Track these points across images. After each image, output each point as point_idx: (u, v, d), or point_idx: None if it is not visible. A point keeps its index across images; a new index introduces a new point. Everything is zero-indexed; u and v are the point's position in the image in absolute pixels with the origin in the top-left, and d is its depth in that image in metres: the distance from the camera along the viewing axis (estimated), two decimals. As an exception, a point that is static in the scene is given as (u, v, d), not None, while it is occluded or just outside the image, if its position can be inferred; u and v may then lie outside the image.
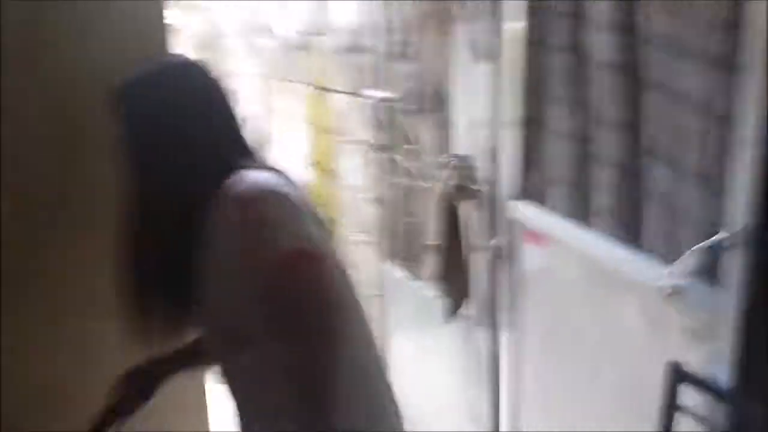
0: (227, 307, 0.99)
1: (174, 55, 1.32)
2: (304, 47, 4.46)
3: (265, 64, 6.07)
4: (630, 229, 1.57)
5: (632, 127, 1.52)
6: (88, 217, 1.62)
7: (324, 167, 4.44)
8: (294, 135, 5.10)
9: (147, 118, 1.07)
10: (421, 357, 3.01)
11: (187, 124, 1.07)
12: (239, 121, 1.14)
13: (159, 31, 1.71)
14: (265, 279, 0.92)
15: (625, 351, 1.63)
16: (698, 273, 1.32)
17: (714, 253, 1.28)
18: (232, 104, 1.14)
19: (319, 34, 4.13)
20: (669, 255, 1.42)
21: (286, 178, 1.06)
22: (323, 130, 4.34)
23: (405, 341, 3.19)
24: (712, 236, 1.26)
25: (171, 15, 1.68)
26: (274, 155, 5.90)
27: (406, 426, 1.17)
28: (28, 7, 1.50)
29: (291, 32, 4.68)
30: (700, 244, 1.29)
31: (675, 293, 1.36)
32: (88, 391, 1.36)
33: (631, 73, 1.50)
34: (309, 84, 4.56)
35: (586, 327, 1.81)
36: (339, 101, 3.96)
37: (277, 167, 1.10)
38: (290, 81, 5.02)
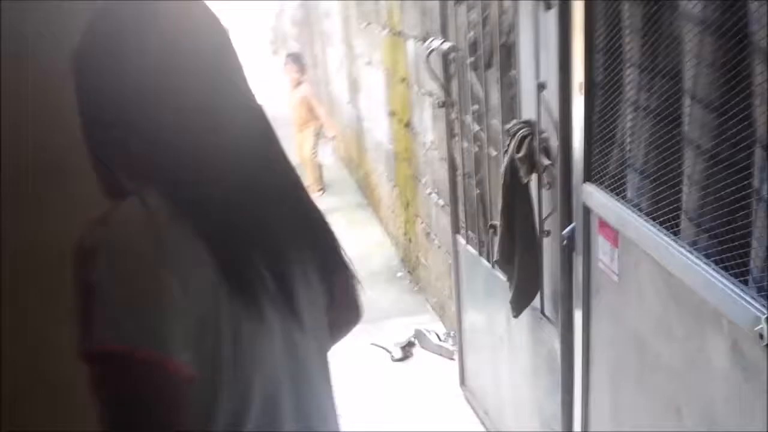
0: None
1: None
2: (379, -15, 4.07)
3: (342, 5, 5.72)
4: (732, 251, 1.16)
5: (744, 110, 1.09)
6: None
7: (401, 118, 4.10)
8: (375, 81, 4.77)
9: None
10: (489, 343, 2.69)
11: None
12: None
13: None
14: None
15: (710, 394, 1.25)
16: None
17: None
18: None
19: (392, -30, 3.72)
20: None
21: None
22: (399, 79, 3.97)
23: (476, 322, 2.87)
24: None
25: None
26: (360, 101, 5.63)
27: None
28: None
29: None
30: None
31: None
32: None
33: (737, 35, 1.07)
34: (384, 27, 4.18)
35: (664, 353, 1.43)
36: (411, 48, 3.58)
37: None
38: (369, 23, 4.66)
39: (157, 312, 0.76)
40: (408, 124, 3.94)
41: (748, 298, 1.08)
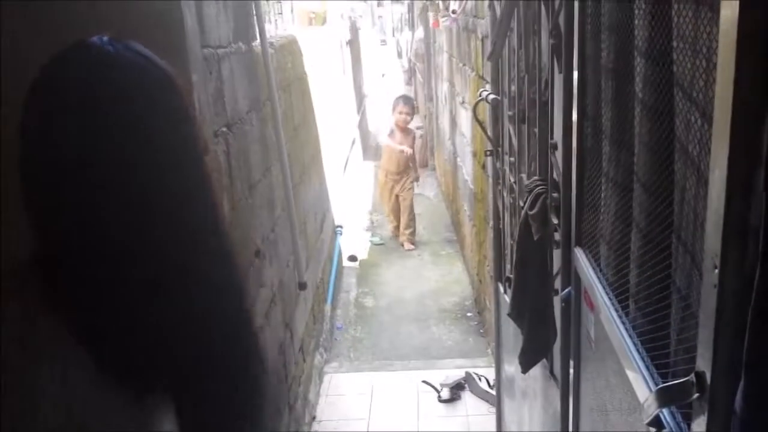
0: None
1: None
2: (472, 29, 4.16)
3: (449, 43, 5.85)
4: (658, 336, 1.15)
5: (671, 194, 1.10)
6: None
7: (479, 159, 4.14)
8: (465, 120, 4.84)
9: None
10: (518, 395, 2.66)
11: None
12: None
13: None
14: None
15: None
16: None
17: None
18: None
19: (478, 17, 3.81)
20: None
21: None
22: (477, 120, 4.02)
23: (510, 372, 2.85)
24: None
25: None
26: (456, 138, 5.71)
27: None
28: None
29: (464, 12, 4.40)
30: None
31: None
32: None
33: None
34: (473, 69, 4.26)
35: (622, 428, 1.40)
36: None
37: None
38: (463, 64, 4.75)
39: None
40: (484, 166, 3.98)
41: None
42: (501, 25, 1.98)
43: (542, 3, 1.86)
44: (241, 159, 2.28)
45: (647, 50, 1.13)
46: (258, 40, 2.66)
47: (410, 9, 10.62)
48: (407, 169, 6.32)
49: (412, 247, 6.25)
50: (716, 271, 0.77)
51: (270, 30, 3.07)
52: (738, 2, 0.68)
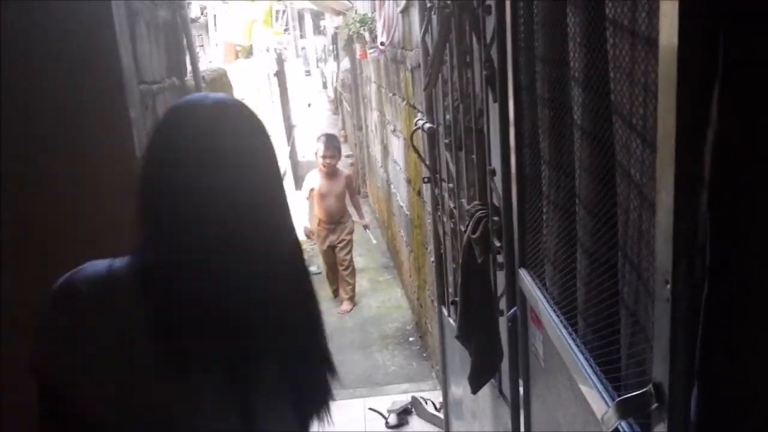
0: None
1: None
2: (401, 60, 4.25)
3: (377, 74, 5.95)
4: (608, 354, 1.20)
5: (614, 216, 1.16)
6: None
7: (414, 185, 4.21)
8: (398, 148, 4.92)
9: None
10: (466, 416, 2.70)
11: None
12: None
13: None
14: None
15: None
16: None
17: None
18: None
19: (407, 49, 3.90)
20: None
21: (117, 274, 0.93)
22: (412, 148, 4.10)
23: (456, 394, 2.89)
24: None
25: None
26: (389, 166, 5.78)
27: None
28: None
29: (391, 44, 4.49)
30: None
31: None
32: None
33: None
34: (403, 99, 4.35)
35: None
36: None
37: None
38: (393, 94, 4.84)
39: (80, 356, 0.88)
40: (419, 193, 4.04)
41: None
42: (434, 57, 2.05)
43: (474, 36, 1.93)
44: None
45: (584, 80, 1.20)
46: (189, 75, 2.65)
47: (334, 41, 10.75)
48: (343, 216, 5.46)
49: (348, 309, 5.51)
50: (668, 286, 0.82)
51: (200, 64, 3.06)
52: (677, 36, 0.74)
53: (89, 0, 1.50)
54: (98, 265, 0.95)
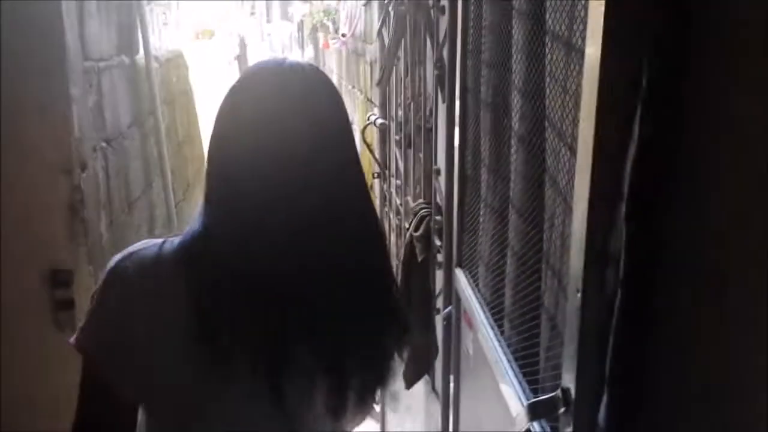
0: None
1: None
2: (361, 53, 4.24)
3: (338, 65, 5.93)
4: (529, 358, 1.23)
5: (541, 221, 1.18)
6: None
7: (368, 180, 4.22)
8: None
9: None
10: (401, 409, 2.73)
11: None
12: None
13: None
14: None
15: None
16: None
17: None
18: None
19: (367, 42, 3.90)
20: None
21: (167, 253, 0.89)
22: (365, 142, 4.11)
23: (395, 388, 2.91)
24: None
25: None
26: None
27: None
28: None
29: (353, 37, 4.48)
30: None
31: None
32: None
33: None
34: (361, 92, 4.34)
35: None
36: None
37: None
38: (352, 86, 4.83)
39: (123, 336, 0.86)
40: (371, 187, 4.05)
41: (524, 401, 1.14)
42: (389, 53, 2.05)
43: (427, 35, 1.94)
44: (121, 175, 2.22)
45: (522, 87, 1.22)
46: (141, 53, 2.60)
47: (300, 28, 10.66)
48: None
49: None
50: (579, 294, 0.84)
51: (154, 43, 3.00)
52: (601, 43, 0.76)
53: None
54: (150, 245, 0.90)
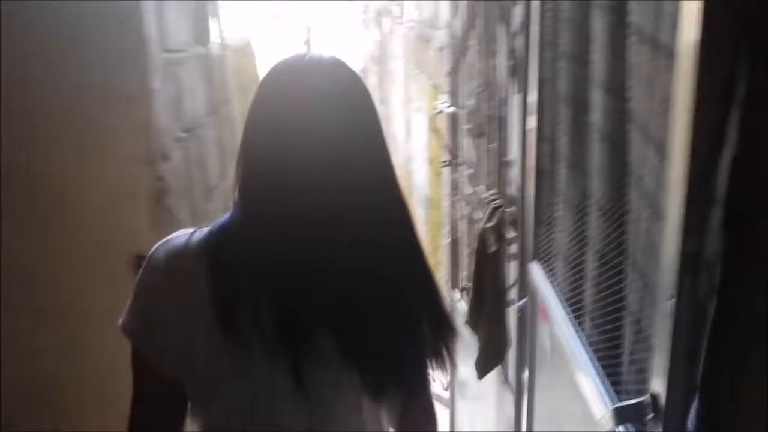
0: None
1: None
2: (428, 39, 4.22)
3: (404, 49, 5.90)
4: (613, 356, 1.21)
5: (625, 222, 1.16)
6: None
7: (435, 168, 4.21)
8: (421, 126, 4.91)
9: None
10: (470, 399, 2.73)
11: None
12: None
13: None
14: None
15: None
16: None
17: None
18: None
19: (435, 27, 3.87)
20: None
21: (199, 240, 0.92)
22: (434, 129, 4.09)
23: (464, 376, 2.92)
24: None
25: None
26: (412, 143, 5.77)
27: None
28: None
29: (420, 22, 4.45)
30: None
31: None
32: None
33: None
34: (430, 78, 4.32)
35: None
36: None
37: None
38: (420, 71, 4.81)
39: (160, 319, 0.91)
40: (439, 173, 4.04)
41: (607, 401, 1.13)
42: (461, 42, 2.03)
43: (500, 25, 1.92)
44: (200, 164, 2.29)
45: (604, 83, 1.20)
46: (214, 42, 2.65)
47: (365, 11, 10.67)
48: None
49: None
50: (672, 301, 0.83)
51: (224, 31, 3.06)
52: (697, 40, 0.74)
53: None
54: (183, 234, 0.94)
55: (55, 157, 1.53)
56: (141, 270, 0.94)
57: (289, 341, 0.89)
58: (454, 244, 2.81)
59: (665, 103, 0.94)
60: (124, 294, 0.94)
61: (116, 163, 1.59)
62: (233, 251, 0.89)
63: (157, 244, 0.94)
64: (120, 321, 0.94)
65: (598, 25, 1.22)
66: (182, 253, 0.91)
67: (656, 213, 0.99)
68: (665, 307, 0.85)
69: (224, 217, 0.93)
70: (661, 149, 0.96)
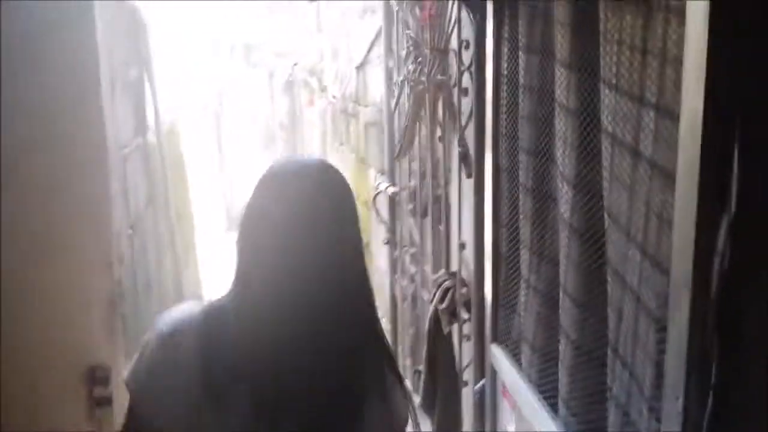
0: None
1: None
2: (353, 114, 4.30)
3: (322, 121, 5.99)
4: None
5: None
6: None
7: (366, 246, 4.23)
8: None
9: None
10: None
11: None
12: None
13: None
14: None
15: None
16: None
17: None
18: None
19: (360, 104, 3.96)
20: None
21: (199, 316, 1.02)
22: (362, 202, 4.13)
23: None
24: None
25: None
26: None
27: None
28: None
29: (343, 97, 4.55)
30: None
31: None
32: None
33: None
34: (352, 151, 4.39)
35: None
36: (372, 177, 3.75)
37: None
38: (340, 144, 4.88)
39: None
40: (368, 245, 4.06)
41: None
42: (407, 131, 2.10)
43: (448, 114, 1.99)
44: (142, 259, 2.21)
45: (574, 180, 1.26)
46: (149, 129, 2.61)
47: (271, 79, 10.75)
48: None
49: None
50: (679, 400, 0.86)
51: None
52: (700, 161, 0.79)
53: (77, 75, 1.47)
54: (185, 307, 1.06)
55: (16, 260, 1.44)
56: (147, 336, 1.02)
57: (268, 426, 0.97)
58: (395, 322, 2.81)
59: (647, 207, 1.01)
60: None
61: (75, 269, 1.52)
62: (229, 339, 0.98)
63: (164, 314, 1.04)
64: (125, 374, 1.02)
65: (563, 122, 1.28)
66: (181, 331, 1.00)
67: (640, 307, 1.04)
68: (675, 407, 0.88)
69: (219, 298, 1.03)
70: (644, 250, 1.02)
